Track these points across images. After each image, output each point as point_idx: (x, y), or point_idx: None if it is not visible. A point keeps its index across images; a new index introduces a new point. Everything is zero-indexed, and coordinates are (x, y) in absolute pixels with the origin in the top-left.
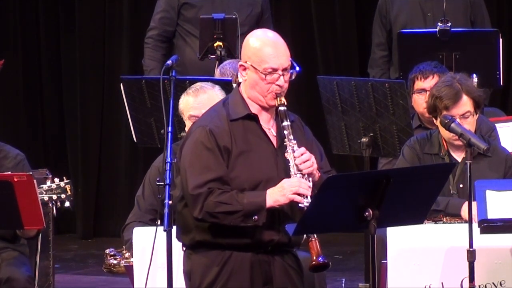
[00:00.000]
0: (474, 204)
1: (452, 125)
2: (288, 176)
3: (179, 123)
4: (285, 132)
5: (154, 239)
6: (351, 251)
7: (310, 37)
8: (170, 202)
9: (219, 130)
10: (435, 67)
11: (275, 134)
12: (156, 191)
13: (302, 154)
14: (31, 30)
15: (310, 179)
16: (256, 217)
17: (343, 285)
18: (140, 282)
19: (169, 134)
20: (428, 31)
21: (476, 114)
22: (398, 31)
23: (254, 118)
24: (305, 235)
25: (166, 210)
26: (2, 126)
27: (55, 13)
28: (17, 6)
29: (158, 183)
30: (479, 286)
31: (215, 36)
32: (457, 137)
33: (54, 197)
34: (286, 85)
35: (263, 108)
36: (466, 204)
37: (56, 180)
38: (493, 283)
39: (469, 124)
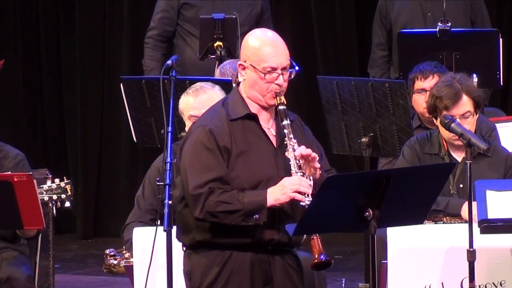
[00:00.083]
0: (474, 204)
1: (452, 125)
2: (288, 175)
3: (179, 123)
4: (285, 131)
5: (154, 239)
6: (351, 251)
7: (310, 37)
8: (170, 202)
9: (219, 130)
10: (435, 67)
11: (274, 134)
12: (156, 191)
13: (301, 154)
14: (31, 30)
15: (311, 177)
16: (257, 216)
17: (343, 285)
18: (140, 282)
19: (169, 134)
20: (428, 31)
21: (476, 114)
22: (398, 31)
23: (253, 117)
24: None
25: (166, 210)
26: (2, 126)
27: (55, 13)
28: (17, 6)
29: (158, 183)
30: (479, 286)
31: (215, 36)
32: (457, 137)
33: (54, 197)
34: (285, 84)
35: (263, 107)
36: (466, 204)
37: (56, 180)
38: (493, 283)
39: (469, 124)
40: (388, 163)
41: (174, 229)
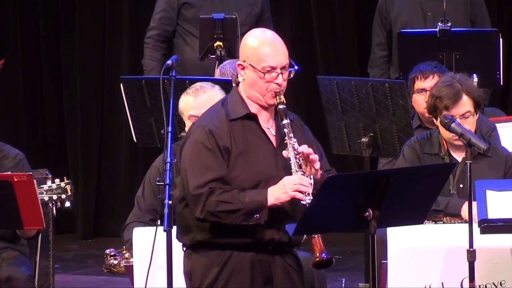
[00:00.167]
0: (474, 204)
1: (452, 125)
2: (288, 175)
3: (179, 123)
4: (285, 130)
5: (154, 239)
6: (351, 251)
7: (310, 37)
8: (170, 202)
9: (218, 130)
10: (435, 67)
11: (274, 134)
12: (156, 191)
13: (302, 152)
14: (31, 30)
15: (312, 176)
16: (257, 215)
17: (343, 285)
18: (140, 282)
19: (169, 134)
20: (428, 31)
21: (476, 114)
22: (398, 31)
23: (253, 117)
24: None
25: (166, 210)
26: (2, 126)
27: (55, 13)
28: (17, 6)
29: (158, 183)
30: (479, 286)
31: (215, 36)
32: (457, 137)
33: (54, 197)
34: (284, 84)
35: (262, 107)
36: (466, 204)
37: (56, 180)
38: (493, 283)
39: (469, 124)
40: (388, 163)
41: (174, 229)
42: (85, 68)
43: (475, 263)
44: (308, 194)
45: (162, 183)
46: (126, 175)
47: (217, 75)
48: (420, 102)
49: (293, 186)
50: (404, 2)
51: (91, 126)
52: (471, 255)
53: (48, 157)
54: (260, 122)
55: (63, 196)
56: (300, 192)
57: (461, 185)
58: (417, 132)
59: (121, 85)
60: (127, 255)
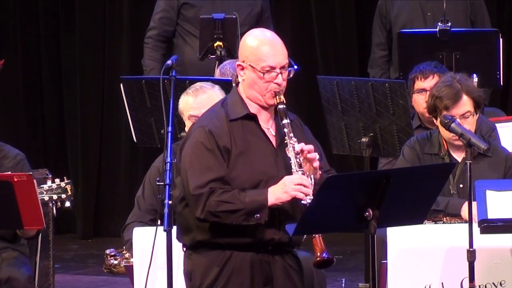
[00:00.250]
0: (474, 204)
1: (452, 125)
2: (289, 175)
3: (179, 123)
4: (285, 130)
5: (154, 239)
6: (351, 251)
7: (310, 37)
8: (170, 202)
9: (218, 131)
10: (435, 67)
11: (274, 134)
12: (156, 191)
13: (302, 149)
14: (31, 30)
15: (312, 175)
16: (258, 215)
17: (343, 285)
18: (140, 282)
19: (169, 134)
20: (428, 31)
21: (476, 114)
22: (398, 31)
23: (253, 118)
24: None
25: (166, 210)
26: (2, 126)
27: (55, 13)
28: (17, 6)
29: (158, 183)
30: (479, 286)
31: (215, 36)
32: (457, 137)
33: (54, 197)
34: (284, 84)
35: (262, 107)
36: (466, 204)
37: (56, 180)
38: (493, 283)
39: (469, 124)
40: (388, 163)
41: (174, 229)
42: (85, 68)
43: (475, 263)
44: (309, 194)
45: (162, 183)
46: (126, 175)
47: (217, 75)
48: (420, 102)
49: (294, 186)
50: (404, 2)
51: (91, 126)
52: (471, 255)
53: (48, 157)
54: (260, 122)
55: (63, 196)
56: (300, 191)
57: (461, 185)
58: (417, 132)
59: (121, 85)
60: (127, 255)
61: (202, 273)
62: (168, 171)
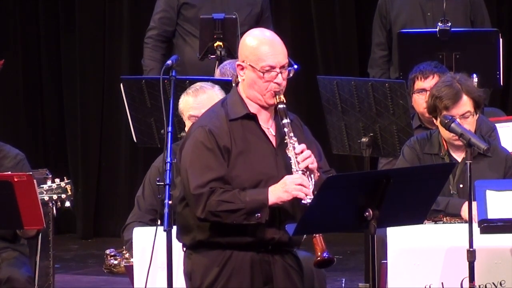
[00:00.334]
0: (474, 204)
1: (452, 125)
2: (289, 174)
3: (179, 123)
4: (285, 129)
5: (154, 239)
6: (351, 251)
7: (310, 37)
8: (170, 202)
9: (218, 130)
10: (435, 67)
11: (274, 134)
12: (156, 191)
13: (302, 151)
14: (31, 30)
15: (312, 175)
16: (258, 214)
17: (343, 285)
18: (140, 282)
19: (169, 134)
20: (428, 31)
21: (476, 114)
22: (398, 31)
23: (253, 117)
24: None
25: (166, 210)
26: (2, 126)
27: (55, 13)
28: (17, 6)
29: (158, 183)
30: (479, 286)
31: (215, 36)
32: (457, 137)
33: (54, 197)
34: (284, 83)
35: (262, 107)
36: (466, 204)
37: (56, 180)
38: (493, 283)
39: (469, 124)
40: (388, 163)
41: (174, 229)
42: (85, 68)
43: (475, 263)
44: (309, 194)
45: (162, 183)
46: (126, 175)
47: (217, 75)
48: (420, 102)
49: (295, 186)
50: (404, 2)
51: (91, 126)
52: (471, 255)
53: (48, 157)
54: (260, 122)
55: (63, 196)
56: (301, 191)
57: (461, 185)
58: (417, 132)
59: (121, 85)
60: (127, 255)
61: (202, 273)
62: (168, 171)
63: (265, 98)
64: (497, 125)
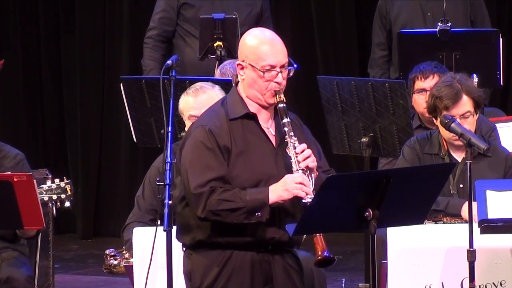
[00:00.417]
0: (474, 204)
1: (452, 125)
2: (289, 173)
3: (179, 123)
4: (286, 129)
5: (154, 239)
6: (351, 251)
7: (310, 37)
8: (170, 202)
9: (218, 130)
10: (435, 67)
11: (274, 133)
12: (156, 191)
13: (303, 150)
14: (31, 30)
15: (313, 175)
16: (259, 213)
17: (343, 285)
18: (140, 282)
19: (169, 134)
20: (428, 31)
21: (476, 114)
22: (398, 31)
23: (253, 117)
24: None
25: (166, 210)
26: (2, 126)
27: (55, 13)
28: (17, 6)
29: (158, 183)
30: (479, 286)
31: (215, 36)
32: (457, 137)
33: (54, 197)
34: (284, 83)
35: (262, 107)
36: (466, 204)
37: (56, 180)
38: (493, 283)
39: (469, 124)
40: (388, 163)
41: (174, 229)
42: (85, 68)
43: (475, 263)
44: (309, 193)
45: (162, 183)
46: (126, 175)
47: (217, 75)
48: (420, 102)
49: (295, 185)
50: (404, 2)
51: (91, 126)
52: (471, 255)
53: (48, 157)
54: (260, 122)
55: (63, 196)
56: (302, 190)
57: (461, 185)
58: (417, 132)
59: (121, 85)
60: (127, 255)
61: (202, 273)
62: (168, 171)
63: (265, 98)
64: (497, 125)
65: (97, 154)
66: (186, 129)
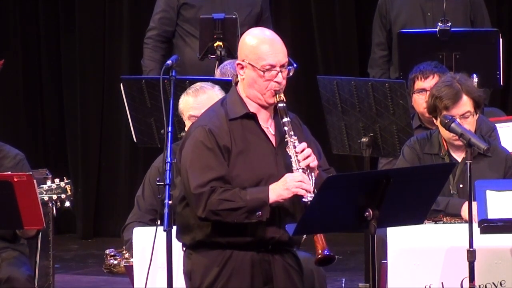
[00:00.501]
0: (474, 204)
1: (452, 125)
2: (289, 173)
3: (179, 123)
4: (286, 128)
5: (154, 239)
6: (351, 251)
7: (310, 37)
8: (170, 202)
9: (218, 130)
10: (435, 67)
11: (273, 133)
12: (156, 191)
13: (303, 150)
14: (31, 30)
15: (313, 174)
16: (259, 213)
17: (343, 285)
18: (140, 282)
19: (169, 134)
20: (428, 31)
21: (476, 114)
22: (398, 31)
23: (252, 117)
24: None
25: (166, 210)
26: (2, 126)
27: (55, 13)
28: (17, 6)
29: (158, 183)
30: (479, 286)
31: (215, 36)
32: (457, 137)
33: (54, 197)
34: (284, 82)
35: (262, 106)
36: (466, 204)
37: (56, 180)
38: (493, 283)
39: (469, 124)
40: (388, 163)
41: (174, 229)
42: (85, 68)
43: (475, 263)
44: (309, 192)
45: (162, 183)
46: (126, 175)
47: (217, 75)
48: (420, 102)
49: (295, 183)
50: (404, 2)
51: (91, 126)
52: (471, 255)
53: (48, 157)
54: (260, 122)
55: (63, 196)
56: (302, 188)
57: (461, 185)
58: (417, 132)
59: (121, 85)
60: (127, 255)
61: (202, 273)
62: (168, 171)
63: (265, 97)
64: (497, 125)
65: (97, 154)
66: (186, 129)
